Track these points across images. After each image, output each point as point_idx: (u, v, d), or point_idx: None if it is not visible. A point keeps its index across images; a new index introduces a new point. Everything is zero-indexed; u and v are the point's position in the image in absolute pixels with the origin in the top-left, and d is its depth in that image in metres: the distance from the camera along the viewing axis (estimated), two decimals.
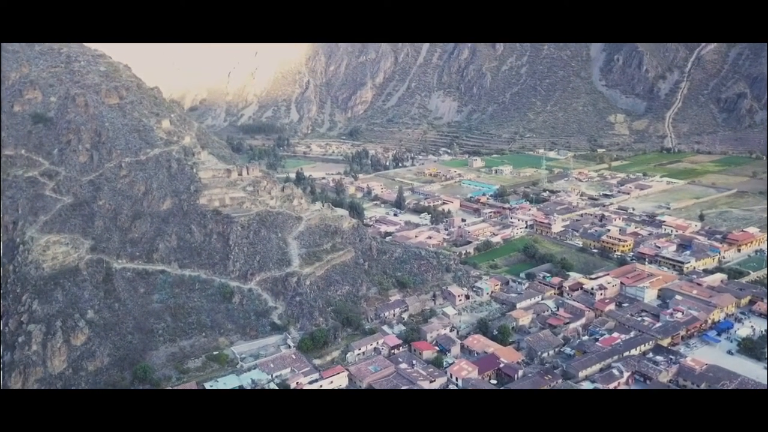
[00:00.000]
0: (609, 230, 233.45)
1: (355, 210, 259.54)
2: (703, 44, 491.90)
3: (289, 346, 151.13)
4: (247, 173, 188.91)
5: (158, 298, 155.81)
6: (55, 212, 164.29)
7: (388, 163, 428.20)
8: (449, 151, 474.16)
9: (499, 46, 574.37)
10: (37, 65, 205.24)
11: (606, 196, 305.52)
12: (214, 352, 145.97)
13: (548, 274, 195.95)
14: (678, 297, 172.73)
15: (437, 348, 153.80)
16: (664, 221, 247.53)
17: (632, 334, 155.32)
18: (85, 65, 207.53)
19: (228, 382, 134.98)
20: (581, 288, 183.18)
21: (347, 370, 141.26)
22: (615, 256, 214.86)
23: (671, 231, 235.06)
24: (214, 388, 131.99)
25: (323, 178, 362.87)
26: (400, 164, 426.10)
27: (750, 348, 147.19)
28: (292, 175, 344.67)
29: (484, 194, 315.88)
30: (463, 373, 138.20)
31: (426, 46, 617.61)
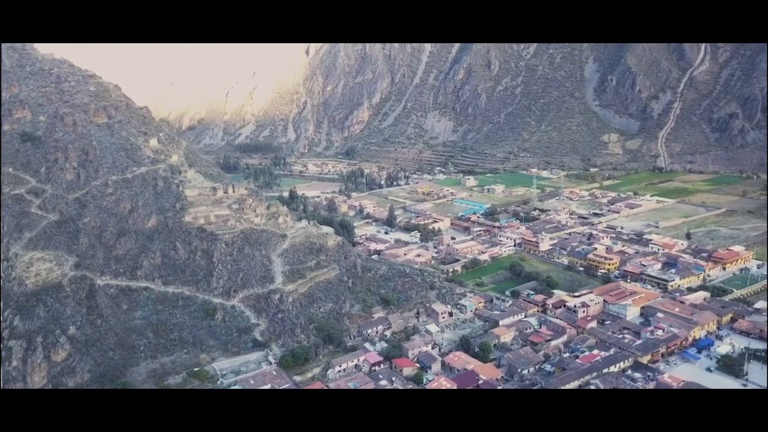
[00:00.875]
0: (596, 248, 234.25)
1: (345, 228, 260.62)
2: (696, 65, 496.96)
3: (270, 363, 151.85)
4: (233, 191, 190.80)
5: (141, 315, 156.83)
6: (40, 229, 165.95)
7: (382, 182, 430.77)
8: (444, 170, 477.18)
9: (494, 67, 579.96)
10: (27, 85, 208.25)
11: (596, 214, 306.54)
12: (195, 369, 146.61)
13: (532, 292, 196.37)
14: (660, 314, 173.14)
15: (418, 365, 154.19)
16: (651, 240, 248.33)
17: (612, 351, 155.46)
18: (75, 85, 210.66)
19: None
20: (564, 306, 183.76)
21: (326, 386, 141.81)
22: (600, 274, 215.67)
23: (658, 249, 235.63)
24: None
25: (317, 196, 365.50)
26: (394, 183, 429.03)
27: (729, 365, 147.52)
28: (287, 194, 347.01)
29: (474, 213, 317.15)
30: None
31: (422, 66, 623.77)
